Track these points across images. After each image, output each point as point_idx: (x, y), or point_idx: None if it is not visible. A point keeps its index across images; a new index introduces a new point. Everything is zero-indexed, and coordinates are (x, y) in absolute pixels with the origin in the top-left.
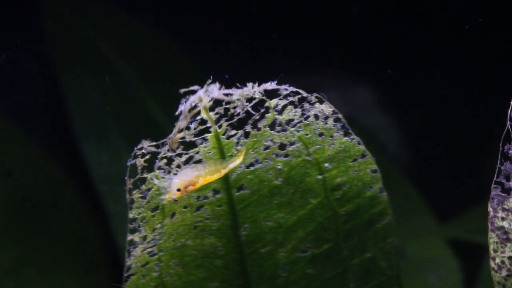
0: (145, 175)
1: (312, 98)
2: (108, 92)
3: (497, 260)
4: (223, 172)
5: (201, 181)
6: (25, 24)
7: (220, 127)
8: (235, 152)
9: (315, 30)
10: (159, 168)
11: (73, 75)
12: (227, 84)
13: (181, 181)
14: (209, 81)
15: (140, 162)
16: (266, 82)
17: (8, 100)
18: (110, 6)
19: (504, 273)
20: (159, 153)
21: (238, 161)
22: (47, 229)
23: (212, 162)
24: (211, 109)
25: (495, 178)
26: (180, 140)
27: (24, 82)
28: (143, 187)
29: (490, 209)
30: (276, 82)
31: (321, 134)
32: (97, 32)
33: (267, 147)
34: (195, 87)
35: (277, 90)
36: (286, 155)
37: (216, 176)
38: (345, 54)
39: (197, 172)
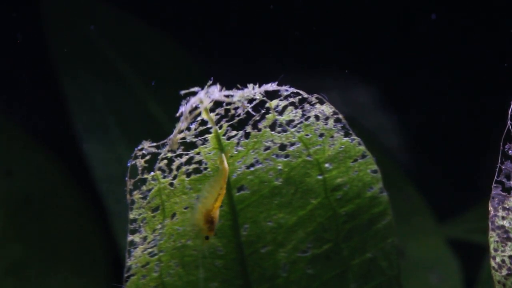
0: (145, 176)
1: (313, 99)
2: (109, 92)
3: (498, 259)
4: (222, 189)
5: (211, 202)
6: (25, 24)
7: (220, 128)
8: (236, 153)
9: (316, 30)
10: (160, 169)
11: (74, 75)
12: (228, 85)
13: (198, 219)
14: (210, 82)
15: (140, 162)
16: (266, 83)
17: (9, 100)
18: (110, 6)
19: (504, 272)
20: (159, 153)
21: (225, 172)
22: (47, 229)
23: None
24: (212, 110)
25: (495, 177)
26: (180, 141)
27: (24, 82)
28: (144, 187)
29: (490, 208)
30: (276, 83)
31: (321, 135)
32: (97, 32)
33: (267, 148)
34: (195, 89)
35: (278, 91)
36: (286, 156)
37: (218, 198)
38: (346, 55)
39: (200, 201)
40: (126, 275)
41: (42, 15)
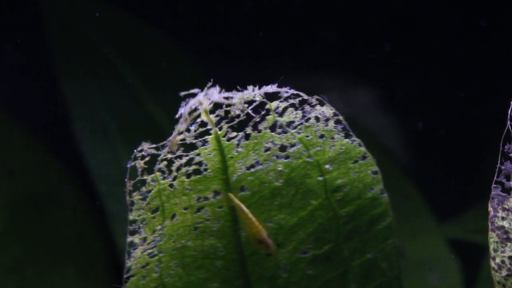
0: (145, 177)
1: (313, 100)
2: (108, 92)
3: (497, 260)
4: (248, 217)
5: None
6: (25, 24)
7: (220, 129)
8: (236, 154)
9: (316, 31)
10: (159, 170)
11: (73, 75)
12: (228, 86)
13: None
14: (210, 84)
15: (140, 164)
16: (266, 84)
17: (9, 100)
18: (110, 6)
19: (504, 272)
20: (159, 155)
21: (239, 207)
22: (48, 229)
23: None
24: (212, 111)
25: (495, 178)
26: (180, 142)
27: (24, 82)
28: (143, 188)
29: (490, 208)
30: (276, 84)
31: (322, 136)
32: (97, 32)
33: (267, 149)
34: (195, 90)
35: (278, 92)
36: (287, 157)
37: (251, 225)
38: (346, 56)
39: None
40: (126, 276)
41: (42, 15)
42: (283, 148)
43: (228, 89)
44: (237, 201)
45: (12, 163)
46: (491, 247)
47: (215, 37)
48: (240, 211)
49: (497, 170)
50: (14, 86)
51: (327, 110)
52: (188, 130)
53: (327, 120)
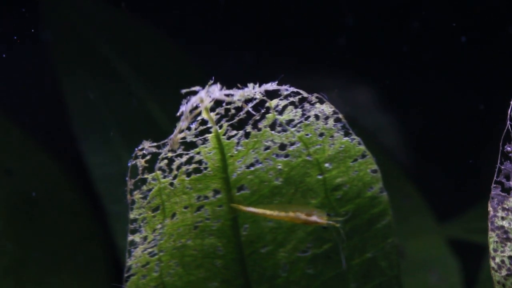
0: (146, 176)
1: (313, 98)
2: (108, 92)
3: (497, 260)
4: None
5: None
6: (25, 24)
7: (220, 127)
8: (235, 152)
9: (316, 30)
10: (160, 168)
11: (73, 75)
12: (228, 84)
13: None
14: (211, 81)
15: (140, 162)
16: (266, 82)
17: (8, 100)
18: (110, 6)
19: (504, 272)
20: (159, 153)
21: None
22: (47, 229)
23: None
24: (212, 109)
25: (495, 178)
26: (181, 141)
27: (24, 82)
28: (144, 187)
29: (490, 208)
30: (276, 82)
31: (321, 134)
32: (97, 32)
33: (267, 147)
34: (196, 88)
35: (278, 90)
36: (286, 155)
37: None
38: (346, 55)
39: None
40: (126, 275)
41: (42, 15)
42: (282, 146)
43: (229, 88)
44: (244, 208)
45: (11, 163)
46: (491, 246)
47: (215, 37)
48: (256, 215)
49: (497, 170)
50: (14, 86)
51: (327, 108)
52: (188, 128)
53: (326, 118)
